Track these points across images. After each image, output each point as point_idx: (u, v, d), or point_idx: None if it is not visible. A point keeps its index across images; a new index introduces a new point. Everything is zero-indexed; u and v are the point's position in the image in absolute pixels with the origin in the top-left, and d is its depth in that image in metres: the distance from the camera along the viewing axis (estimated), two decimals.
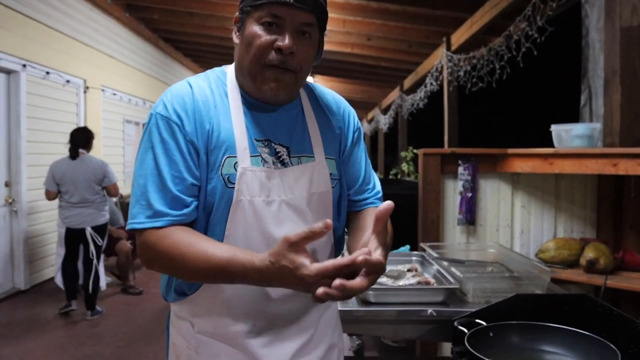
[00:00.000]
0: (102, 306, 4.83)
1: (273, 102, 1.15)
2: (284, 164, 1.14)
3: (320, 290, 0.84)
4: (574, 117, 3.42)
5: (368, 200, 1.28)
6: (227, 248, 0.99)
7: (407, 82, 9.46)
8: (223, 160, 1.08)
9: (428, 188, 2.73)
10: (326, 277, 0.84)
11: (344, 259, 0.83)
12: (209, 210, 1.09)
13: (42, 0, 5.55)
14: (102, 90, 7.03)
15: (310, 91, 1.27)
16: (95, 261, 4.60)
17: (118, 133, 7.73)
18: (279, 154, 1.14)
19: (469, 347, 1.32)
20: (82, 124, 6.34)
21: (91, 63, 6.66)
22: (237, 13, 1.14)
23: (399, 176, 8.70)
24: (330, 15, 1.37)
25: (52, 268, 5.50)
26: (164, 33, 8.87)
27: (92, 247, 4.59)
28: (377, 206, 1.30)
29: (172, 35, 9.03)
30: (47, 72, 5.62)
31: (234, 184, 1.07)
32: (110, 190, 4.72)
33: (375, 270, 0.89)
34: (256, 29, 1.07)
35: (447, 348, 2.76)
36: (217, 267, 0.97)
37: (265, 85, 1.09)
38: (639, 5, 2.57)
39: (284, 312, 1.15)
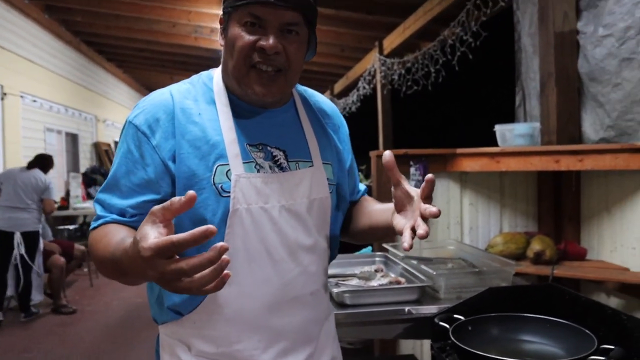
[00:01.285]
0: (33, 328, 4.51)
1: (262, 105, 1.11)
2: (281, 168, 1.10)
3: (406, 245, 0.89)
4: (509, 117, 3.61)
5: (358, 196, 1.36)
6: (124, 235, 0.91)
7: (338, 86, 9.62)
8: (214, 169, 1.03)
9: (382, 189, 2.78)
10: (162, 254, 0.68)
11: (182, 234, 0.67)
12: (201, 223, 1.00)
13: None
14: (21, 96, 6.58)
15: (301, 93, 1.23)
16: (19, 264, 4.71)
17: (39, 142, 7.25)
18: (276, 158, 1.10)
19: (455, 341, 1.35)
20: (0, 133, 5.92)
21: (8, 68, 6.21)
22: (221, 14, 1.10)
23: None
24: None
25: None
26: (86, 36, 8.47)
27: (16, 251, 4.67)
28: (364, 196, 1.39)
29: (95, 39, 8.63)
30: None
31: (228, 192, 1.03)
32: (47, 203, 4.93)
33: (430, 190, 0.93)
34: (238, 30, 1.03)
35: (405, 346, 2.81)
36: (111, 254, 0.88)
37: (249, 89, 1.05)
38: (569, 11, 2.76)
39: (287, 325, 1.11)
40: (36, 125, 7.17)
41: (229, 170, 1.04)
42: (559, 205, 2.86)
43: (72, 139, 8.89)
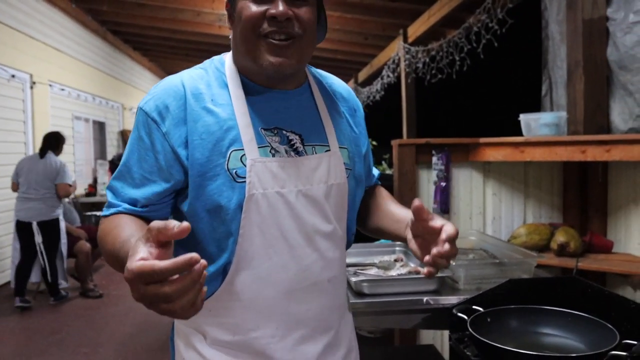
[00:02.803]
0: (62, 311, 4.64)
1: (278, 79, 1.07)
2: (298, 152, 1.07)
3: (426, 269, 0.96)
4: (535, 106, 3.54)
5: (373, 181, 1.36)
6: (132, 231, 0.92)
7: (362, 75, 9.54)
8: (228, 155, 1.01)
9: (403, 178, 2.76)
10: (142, 280, 0.66)
11: (165, 262, 0.66)
12: (217, 210, 1.02)
13: None
14: (50, 85, 6.71)
15: (315, 76, 1.21)
16: (42, 253, 4.77)
17: (67, 130, 7.38)
18: (292, 142, 1.07)
19: (473, 333, 1.34)
20: (29, 121, 6.07)
21: (37, 57, 6.33)
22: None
23: None
24: None
25: (4, 273, 5.24)
26: (112, 25, 8.56)
27: (36, 239, 4.75)
28: (377, 184, 1.39)
29: (121, 28, 8.72)
30: None
31: (243, 178, 1.01)
32: (59, 188, 4.85)
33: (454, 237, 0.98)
34: (245, 2, 1.01)
35: (426, 336, 2.81)
36: (117, 251, 0.89)
37: (264, 61, 1.01)
38: None
39: (305, 312, 1.09)
40: (64, 113, 7.31)
41: (244, 155, 1.01)
42: (585, 196, 2.80)
43: (99, 127, 9.04)
